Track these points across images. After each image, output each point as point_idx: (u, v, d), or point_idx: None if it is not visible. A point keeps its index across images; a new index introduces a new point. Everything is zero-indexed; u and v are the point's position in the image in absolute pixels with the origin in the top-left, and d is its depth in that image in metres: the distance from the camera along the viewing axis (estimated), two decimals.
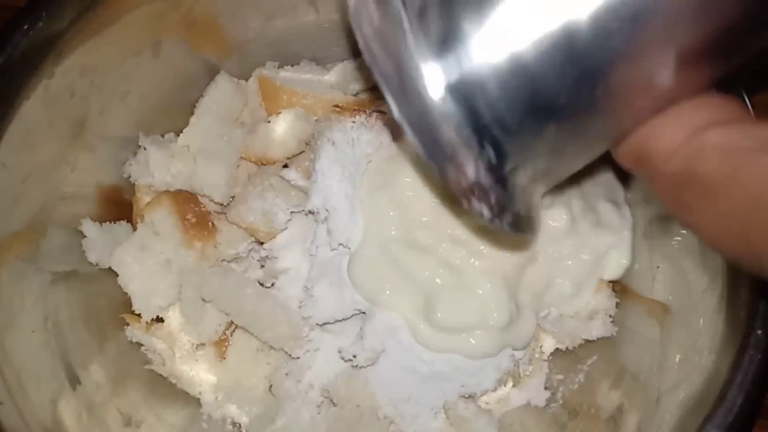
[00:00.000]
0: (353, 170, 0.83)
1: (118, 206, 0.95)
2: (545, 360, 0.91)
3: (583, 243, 0.83)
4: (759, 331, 0.62)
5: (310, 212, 0.85)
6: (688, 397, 0.66)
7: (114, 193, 0.95)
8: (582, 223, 0.84)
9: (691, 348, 0.71)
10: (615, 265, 0.85)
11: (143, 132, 0.96)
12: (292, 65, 1.02)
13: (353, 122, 0.85)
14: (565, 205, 0.84)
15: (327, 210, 0.82)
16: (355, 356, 0.81)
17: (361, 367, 0.83)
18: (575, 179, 0.85)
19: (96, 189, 0.92)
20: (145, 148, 0.94)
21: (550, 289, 0.84)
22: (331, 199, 0.81)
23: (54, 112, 0.81)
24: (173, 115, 0.99)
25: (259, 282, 0.88)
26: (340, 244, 0.83)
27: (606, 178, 0.89)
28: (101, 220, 0.91)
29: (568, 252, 0.83)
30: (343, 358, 0.82)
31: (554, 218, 0.83)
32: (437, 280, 0.80)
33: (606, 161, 0.72)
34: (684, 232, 0.80)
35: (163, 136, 0.98)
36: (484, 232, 0.81)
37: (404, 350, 0.80)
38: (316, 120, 0.88)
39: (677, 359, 0.73)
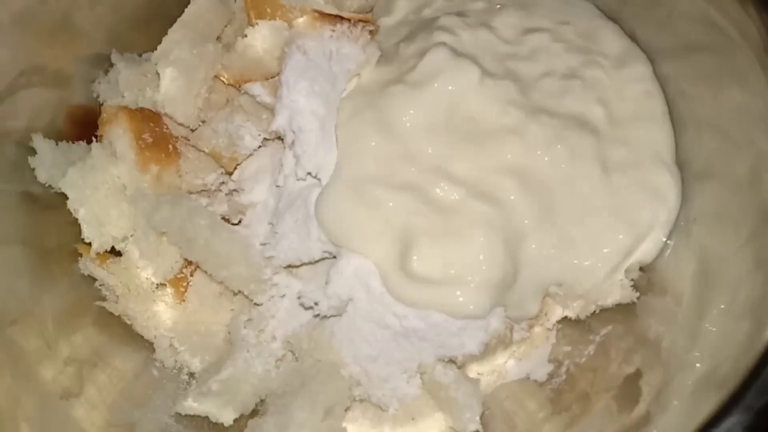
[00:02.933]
0: (327, 87, 0.71)
1: (89, 127, 0.86)
2: (550, 329, 0.76)
3: (620, 210, 0.68)
4: None
5: (278, 137, 0.73)
6: (711, 372, 0.51)
7: (83, 113, 0.87)
8: (620, 179, 0.69)
9: (724, 313, 0.55)
10: (653, 245, 0.70)
11: (118, 49, 0.87)
12: None
13: (333, 31, 0.73)
14: (596, 151, 0.70)
15: (293, 131, 0.70)
16: (317, 303, 0.69)
17: (326, 318, 0.71)
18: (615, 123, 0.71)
19: (63, 107, 0.84)
20: (115, 66, 0.85)
21: (570, 267, 0.69)
22: (298, 117, 0.70)
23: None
24: (154, 33, 0.90)
25: (223, 218, 0.78)
26: (309, 173, 0.71)
27: (660, 132, 0.73)
28: (68, 140, 0.82)
29: (598, 215, 0.69)
30: (303, 305, 0.71)
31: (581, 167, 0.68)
32: (418, 222, 0.67)
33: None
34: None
35: (140, 55, 0.89)
36: (500, 171, 0.68)
37: (374, 300, 0.68)
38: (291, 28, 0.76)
39: (707, 327, 0.57)
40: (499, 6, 0.80)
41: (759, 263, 0.54)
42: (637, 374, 0.65)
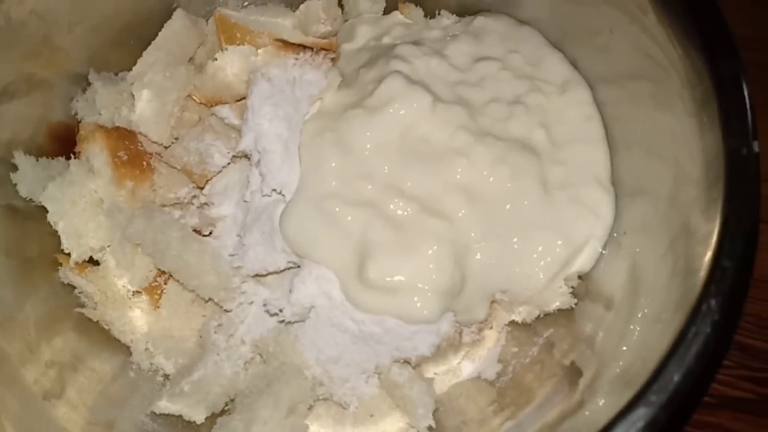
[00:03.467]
0: (290, 111, 0.77)
1: (68, 144, 0.91)
2: (500, 332, 0.82)
3: (558, 224, 0.75)
4: (713, 301, 0.53)
5: (245, 155, 0.79)
6: (626, 370, 0.57)
7: (63, 130, 0.91)
8: (560, 196, 0.76)
9: (645, 318, 0.62)
10: (590, 257, 0.76)
11: (96, 69, 0.91)
12: (256, 5, 0.96)
13: (296, 59, 0.78)
14: (538, 171, 0.76)
15: (259, 152, 0.76)
16: (281, 310, 0.75)
17: (290, 323, 0.76)
18: (555, 145, 0.77)
19: (43, 124, 0.88)
20: (93, 85, 0.89)
21: (513, 276, 0.75)
22: (263, 139, 0.75)
23: None
24: (132, 52, 0.94)
25: (195, 230, 0.83)
26: (273, 190, 0.76)
27: (598, 153, 0.79)
28: (48, 156, 0.86)
29: (538, 229, 0.75)
30: (268, 312, 0.76)
31: (523, 185, 0.74)
32: (373, 235, 0.73)
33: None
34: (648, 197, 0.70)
35: (117, 74, 0.94)
36: (449, 189, 0.74)
37: (334, 307, 0.74)
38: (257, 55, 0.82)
39: (631, 329, 0.64)
40: (452, 35, 0.86)
41: (675, 272, 0.61)
42: (574, 370, 0.72)
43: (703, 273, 0.55)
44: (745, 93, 0.59)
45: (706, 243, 0.56)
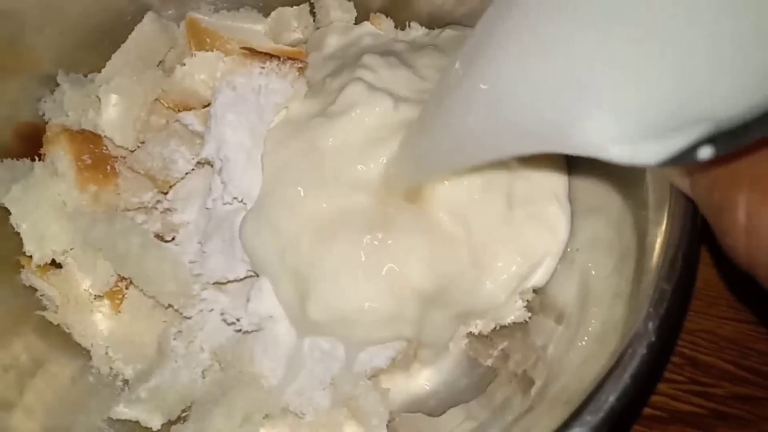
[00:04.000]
0: (254, 120, 0.77)
1: (35, 145, 0.90)
2: (458, 343, 0.83)
3: (517, 240, 0.75)
4: (650, 323, 0.54)
5: (208, 163, 0.79)
6: (565, 387, 0.59)
7: (30, 130, 0.90)
8: (520, 213, 0.76)
9: (590, 335, 0.63)
10: (545, 272, 0.77)
11: (64, 70, 0.91)
12: (228, 10, 0.96)
13: (262, 68, 0.79)
14: (506, 185, 0.76)
15: (221, 159, 0.76)
16: (238, 320, 0.75)
17: (247, 332, 0.77)
18: (522, 161, 0.78)
19: (10, 124, 0.88)
20: (61, 86, 0.89)
21: (470, 292, 0.76)
22: (225, 147, 0.75)
23: None
24: (102, 53, 0.94)
25: (157, 235, 0.83)
26: (235, 198, 0.77)
27: (558, 171, 0.80)
28: (14, 157, 0.86)
29: (499, 244, 0.75)
30: (225, 321, 0.77)
31: (491, 197, 0.75)
32: (324, 263, 0.72)
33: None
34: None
35: (86, 75, 0.94)
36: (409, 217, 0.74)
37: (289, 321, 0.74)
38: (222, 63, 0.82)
39: (578, 345, 0.65)
40: (419, 47, 0.87)
41: (617, 294, 0.62)
42: (526, 379, 0.73)
43: (642, 294, 0.56)
44: None
45: (648, 264, 0.57)
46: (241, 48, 0.81)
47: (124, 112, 0.83)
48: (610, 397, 0.52)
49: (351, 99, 0.76)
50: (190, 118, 0.80)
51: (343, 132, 0.76)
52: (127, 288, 0.85)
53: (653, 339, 0.53)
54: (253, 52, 0.80)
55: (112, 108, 0.83)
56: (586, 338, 0.65)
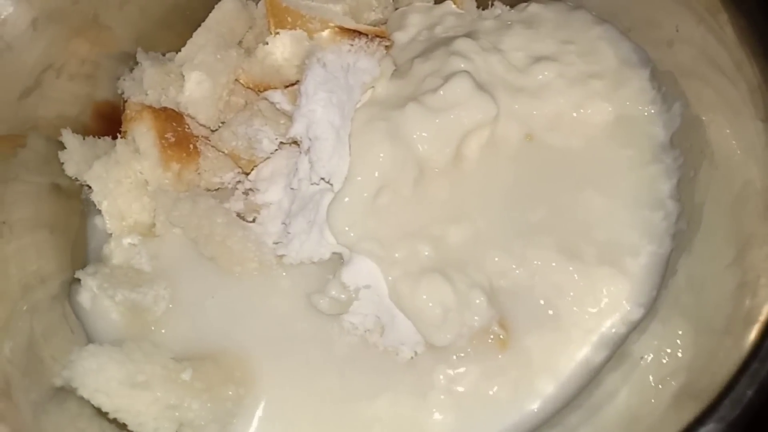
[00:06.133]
0: (344, 98, 0.75)
1: (113, 123, 0.90)
2: None
3: None
4: None
5: (294, 142, 0.77)
6: (688, 384, 0.55)
7: (108, 109, 0.90)
8: None
9: (703, 328, 0.59)
10: None
11: (143, 48, 0.91)
12: None
13: (351, 45, 0.77)
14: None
15: (310, 138, 0.74)
16: (320, 301, 0.73)
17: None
18: None
19: (89, 103, 0.88)
20: (140, 64, 0.89)
21: None
22: (314, 126, 0.73)
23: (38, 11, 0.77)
24: (179, 33, 0.93)
25: (239, 215, 0.82)
26: (322, 178, 0.75)
27: None
28: (93, 135, 0.86)
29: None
30: (313, 305, 0.74)
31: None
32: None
33: None
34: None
35: (164, 54, 0.93)
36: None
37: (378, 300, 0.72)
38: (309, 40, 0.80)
39: (683, 342, 0.61)
40: (508, 23, 0.84)
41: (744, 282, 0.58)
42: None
43: None
44: None
45: None
46: (334, 25, 0.78)
47: (208, 90, 0.82)
48: (748, 391, 0.48)
49: (455, 97, 0.74)
50: (278, 96, 0.78)
51: (439, 130, 0.75)
52: None
53: None
54: (342, 30, 0.78)
55: (195, 86, 0.81)
56: (693, 334, 0.61)
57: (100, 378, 0.61)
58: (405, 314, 0.70)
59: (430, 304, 0.69)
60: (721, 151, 0.68)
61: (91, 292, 0.74)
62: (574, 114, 0.78)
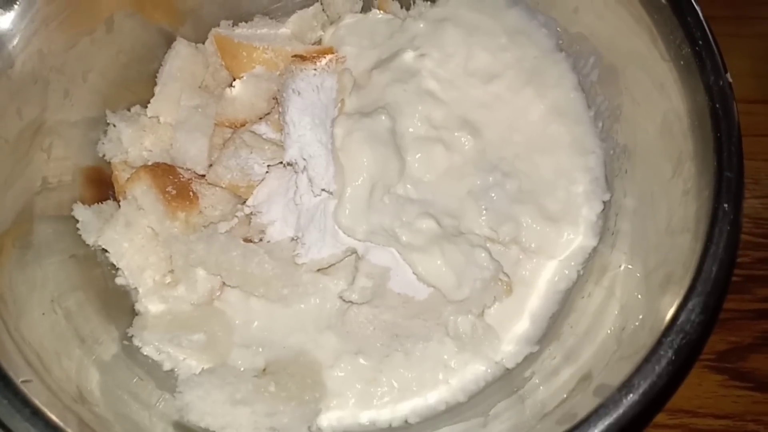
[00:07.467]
0: (323, 116, 0.85)
1: (103, 186, 0.95)
2: None
3: None
4: (725, 205, 0.66)
5: (288, 164, 0.86)
6: (668, 275, 0.70)
7: (95, 174, 0.94)
8: None
9: (665, 230, 0.75)
10: None
11: (109, 109, 0.95)
12: (246, 21, 1.02)
13: (315, 69, 0.86)
14: None
15: (305, 159, 0.84)
16: (352, 294, 0.84)
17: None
18: None
19: (77, 172, 0.92)
20: (114, 125, 0.94)
21: None
22: (307, 148, 0.83)
23: (20, 101, 0.81)
24: (136, 88, 0.99)
25: (247, 239, 0.90)
26: (323, 189, 0.85)
27: None
28: (90, 202, 0.91)
29: None
30: (342, 299, 0.85)
31: None
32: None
33: None
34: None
35: (129, 110, 0.98)
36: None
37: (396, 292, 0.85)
38: (279, 74, 0.89)
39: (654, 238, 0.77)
40: (437, 25, 0.95)
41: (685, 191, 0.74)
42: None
43: (711, 186, 0.68)
44: (710, 36, 0.73)
45: (708, 161, 0.70)
46: (293, 56, 0.88)
47: (204, 144, 0.90)
48: (713, 268, 0.64)
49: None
50: (264, 128, 0.87)
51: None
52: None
53: (732, 217, 0.66)
54: (303, 57, 0.87)
55: (191, 144, 0.90)
56: (658, 235, 0.77)
57: (207, 402, 0.70)
58: (427, 283, 0.82)
59: (444, 269, 0.81)
60: (639, 90, 0.84)
61: (151, 344, 0.81)
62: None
